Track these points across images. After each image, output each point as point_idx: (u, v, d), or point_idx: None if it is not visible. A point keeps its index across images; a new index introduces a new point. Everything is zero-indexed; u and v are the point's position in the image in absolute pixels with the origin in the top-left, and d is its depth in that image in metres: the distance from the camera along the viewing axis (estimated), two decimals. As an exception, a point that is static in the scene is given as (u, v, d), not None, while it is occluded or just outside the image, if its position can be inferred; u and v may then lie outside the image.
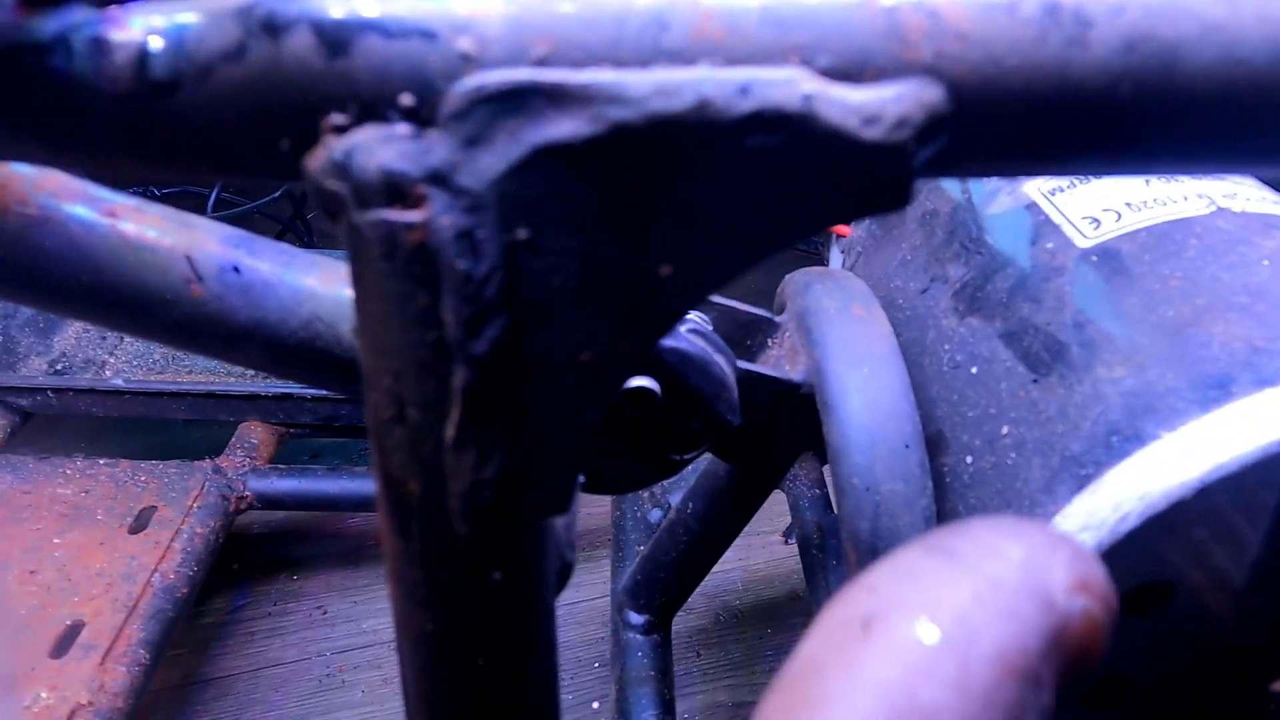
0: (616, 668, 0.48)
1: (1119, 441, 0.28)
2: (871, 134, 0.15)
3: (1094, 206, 0.37)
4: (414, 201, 0.16)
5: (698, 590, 0.64)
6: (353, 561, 0.83)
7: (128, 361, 0.80)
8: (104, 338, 0.82)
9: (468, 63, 0.15)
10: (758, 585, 0.83)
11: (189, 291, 0.24)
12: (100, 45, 0.16)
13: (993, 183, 0.42)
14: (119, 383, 0.75)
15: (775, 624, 0.79)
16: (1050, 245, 0.37)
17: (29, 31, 0.16)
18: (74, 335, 0.82)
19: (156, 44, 0.16)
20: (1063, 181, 0.39)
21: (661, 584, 0.49)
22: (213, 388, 0.75)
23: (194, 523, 0.66)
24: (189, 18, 0.16)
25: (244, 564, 0.82)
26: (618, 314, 0.16)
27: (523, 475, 0.17)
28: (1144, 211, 0.36)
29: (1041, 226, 0.38)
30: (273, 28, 0.15)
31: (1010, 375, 0.34)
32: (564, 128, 0.16)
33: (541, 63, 0.15)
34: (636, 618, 0.49)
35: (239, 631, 0.78)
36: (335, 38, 0.15)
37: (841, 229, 0.52)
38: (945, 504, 0.36)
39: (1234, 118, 0.15)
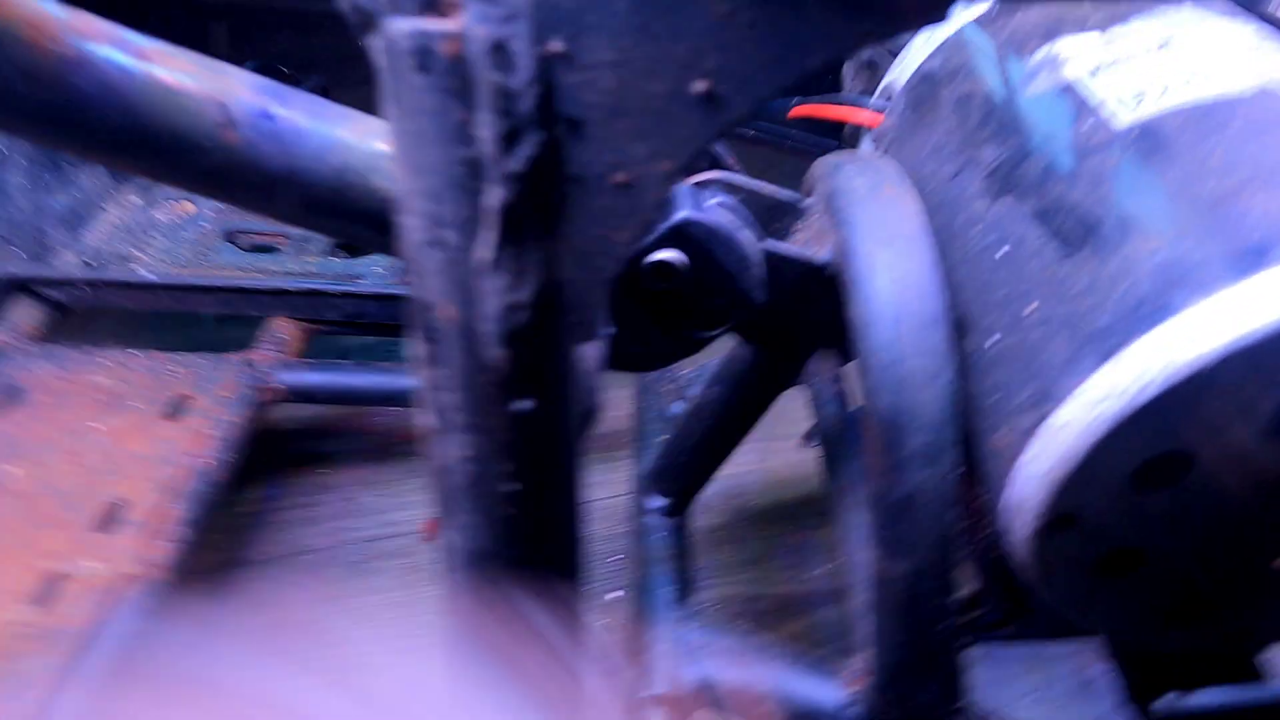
0: (637, 548, 0.49)
1: (1147, 312, 0.28)
2: (915, -62, 0.15)
3: (1135, 86, 0.36)
4: (448, 10, 0.16)
5: (717, 491, 0.65)
6: (380, 457, 0.86)
7: (157, 258, 0.81)
8: (133, 233, 0.83)
9: None
10: (775, 487, 0.84)
11: (223, 137, 0.24)
12: None
13: (1032, 65, 0.41)
14: (151, 277, 0.76)
15: (791, 523, 0.81)
16: (1089, 124, 0.36)
17: None
18: (105, 231, 0.83)
19: None
20: (1105, 58, 0.38)
21: (683, 468, 0.50)
22: (241, 283, 0.76)
23: (227, 411, 0.68)
24: None
25: (275, 458, 0.84)
26: (653, 132, 0.16)
27: (555, 299, 0.17)
28: (1186, 89, 0.35)
29: (1081, 107, 0.37)
30: None
31: (1040, 253, 0.34)
32: (600, -65, 0.15)
33: None
34: (658, 501, 0.51)
35: (272, 520, 0.81)
36: None
37: (871, 120, 0.51)
38: (968, 384, 0.36)
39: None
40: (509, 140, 0.16)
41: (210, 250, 0.82)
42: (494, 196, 0.17)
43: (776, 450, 0.87)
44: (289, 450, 0.85)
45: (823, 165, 0.41)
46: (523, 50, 0.16)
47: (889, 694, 0.38)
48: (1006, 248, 0.36)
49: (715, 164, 0.45)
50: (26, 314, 0.76)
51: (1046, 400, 0.31)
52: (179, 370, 0.71)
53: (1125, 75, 0.37)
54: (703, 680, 0.43)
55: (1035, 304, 0.33)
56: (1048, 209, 0.35)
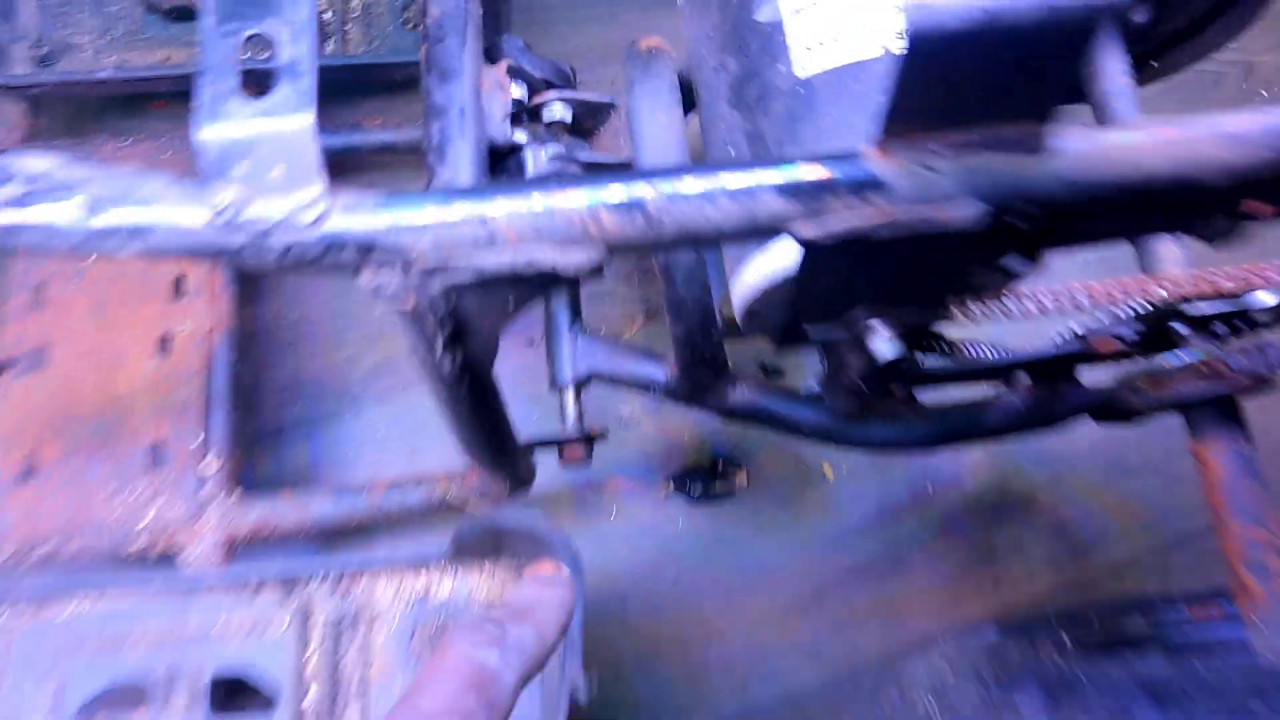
0: (545, 304, 0.78)
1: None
2: None
3: (817, 34, 0.55)
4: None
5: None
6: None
7: (93, 39, 0.92)
8: (61, 15, 0.92)
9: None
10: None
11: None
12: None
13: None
14: (109, 73, 0.89)
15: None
16: (783, 68, 0.55)
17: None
18: (33, 14, 0.92)
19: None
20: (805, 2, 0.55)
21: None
22: (189, 70, 0.90)
23: (221, 188, 0.89)
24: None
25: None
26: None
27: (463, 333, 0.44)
28: (839, 45, 0.54)
29: (781, 46, 0.55)
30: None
31: (746, 158, 0.57)
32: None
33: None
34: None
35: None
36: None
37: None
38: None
39: None
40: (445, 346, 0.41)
41: (137, 24, 0.92)
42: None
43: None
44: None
45: (626, 75, 0.59)
46: (440, 309, 0.40)
47: (685, 375, 0.71)
48: (731, 150, 0.58)
49: (549, 84, 0.61)
50: (17, 115, 0.90)
51: (739, 266, 0.57)
52: (169, 153, 0.90)
53: (816, 20, 0.55)
54: (589, 370, 0.75)
55: (740, 201, 0.57)
56: (754, 133, 0.56)
